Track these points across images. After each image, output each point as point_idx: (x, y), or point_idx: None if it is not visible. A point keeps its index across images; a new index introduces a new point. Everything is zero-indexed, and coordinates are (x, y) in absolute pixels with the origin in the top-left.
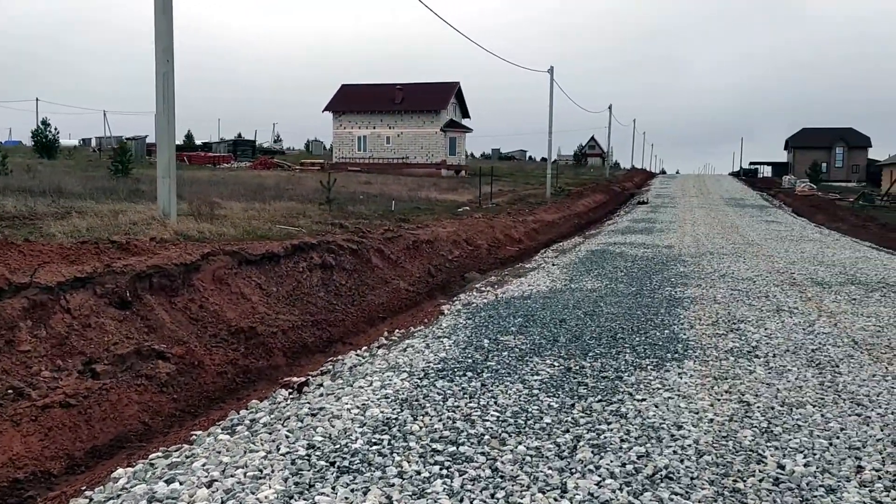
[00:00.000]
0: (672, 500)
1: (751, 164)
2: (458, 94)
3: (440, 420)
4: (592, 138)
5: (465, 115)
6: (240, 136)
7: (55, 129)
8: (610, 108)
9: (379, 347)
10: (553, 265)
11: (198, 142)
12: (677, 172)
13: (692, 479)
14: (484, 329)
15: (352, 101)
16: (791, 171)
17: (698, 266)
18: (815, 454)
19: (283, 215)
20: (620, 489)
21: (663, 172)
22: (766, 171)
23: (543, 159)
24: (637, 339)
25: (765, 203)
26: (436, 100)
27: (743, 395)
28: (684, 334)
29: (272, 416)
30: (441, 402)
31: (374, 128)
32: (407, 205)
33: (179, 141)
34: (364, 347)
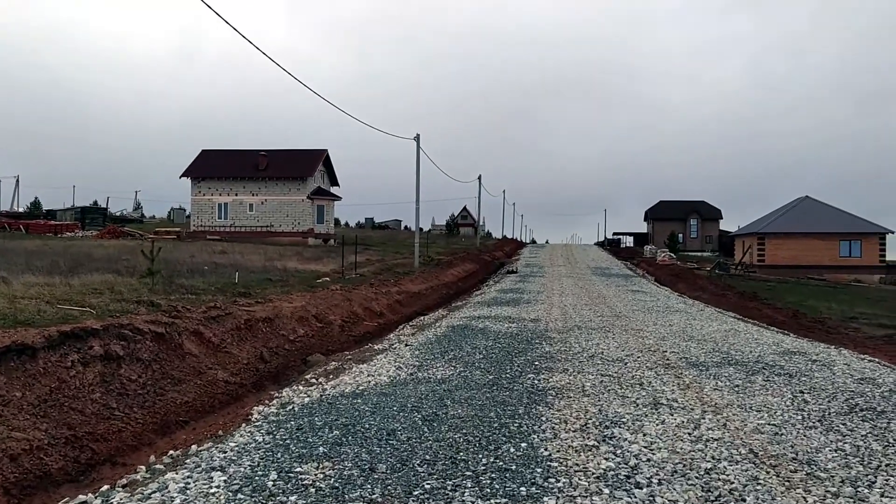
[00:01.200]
0: None
1: (614, 234)
2: (326, 162)
3: None
4: (465, 208)
5: (334, 182)
6: (95, 203)
7: None
8: (479, 178)
9: (125, 486)
10: (406, 346)
11: (46, 209)
12: (547, 242)
13: None
14: (282, 451)
15: (212, 166)
16: (651, 240)
17: (565, 344)
18: None
19: (80, 292)
20: None
21: (533, 242)
22: (629, 241)
23: (421, 228)
24: (484, 460)
25: (629, 272)
26: (303, 167)
27: None
28: (545, 449)
29: None
30: None
31: (237, 195)
32: (258, 276)
33: (22, 208)
34: (106, 486)
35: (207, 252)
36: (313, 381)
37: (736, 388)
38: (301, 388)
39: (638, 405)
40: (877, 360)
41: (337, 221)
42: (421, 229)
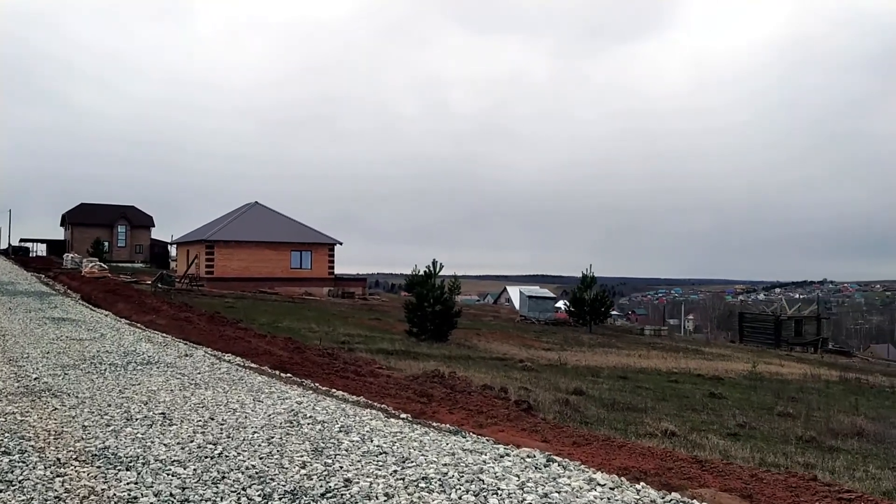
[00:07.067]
0: None
1: (21, 241)
2: None
3: None
4: None
5: None
6: None
7: None
8: None
9: None
10: None
11: None
12: None
13: None
14: None
15: None
16: (71, 248)
17: None
18: None
19: None
20: None
21: None
22: (41, 250)
23: None
24: None
25: (45, 289)
26: None
27: None
28: None
29: None
30: None
31: None
32: None
33: None
34: None
35: None
36: None
37: None
38: None
39: None
40: None
41: None
42: None
